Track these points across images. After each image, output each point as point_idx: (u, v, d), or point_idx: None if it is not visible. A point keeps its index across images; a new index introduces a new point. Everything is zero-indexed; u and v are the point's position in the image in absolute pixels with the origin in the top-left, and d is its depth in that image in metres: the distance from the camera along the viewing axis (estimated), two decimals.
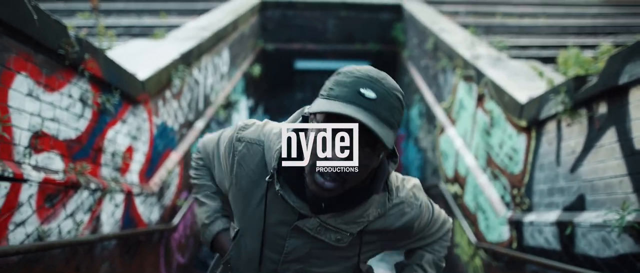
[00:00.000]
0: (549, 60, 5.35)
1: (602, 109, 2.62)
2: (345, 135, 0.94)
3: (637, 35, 6.09)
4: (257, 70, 8.12)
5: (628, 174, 2.37)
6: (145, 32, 6.02)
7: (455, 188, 5.20)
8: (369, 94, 0.93)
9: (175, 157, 4.37)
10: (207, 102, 5.48)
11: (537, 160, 3.37)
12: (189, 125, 4.83)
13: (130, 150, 3.39)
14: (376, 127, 0.91)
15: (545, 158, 3.26)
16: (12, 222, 2.07)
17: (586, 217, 2.65)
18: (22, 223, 2.15)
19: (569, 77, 3.14)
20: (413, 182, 1.24)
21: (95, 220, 2.88)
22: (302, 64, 9.51)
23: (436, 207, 1.34)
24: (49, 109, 2.36)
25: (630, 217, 2.24)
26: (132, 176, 3.48)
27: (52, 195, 2.37)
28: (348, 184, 1.00)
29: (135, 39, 5.28)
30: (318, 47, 9.19)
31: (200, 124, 5.13)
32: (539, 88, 3.74)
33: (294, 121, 1.12)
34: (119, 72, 3.07)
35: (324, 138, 0.96)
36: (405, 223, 1.19)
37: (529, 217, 3.36)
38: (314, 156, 0.98)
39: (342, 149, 0.95)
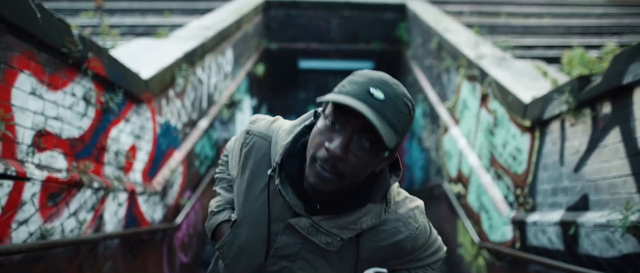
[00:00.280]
0: (553, 61, 5.32)
1: (606, 108, 2.61)
2: (349, 128, 0.96)
3: None
4: (260, 69, 8.12)
5: (632, 174, 2.35)
6: (149, 31, 6.04)
7: (458, 188, 5.19)
8: (378, 94, 0.95)
9: (178, 156, 4.38)
10: (211, 101, 5.49)
11: (541, 160, 3.35)
12: (192, 124, 4.83)
13: (133, 149, 3.40)
14: (378, 124, 0.92)
15: (548, 158, 3.25)
16: (15, 220, 2.08)
17: (590, 217, 2.64)
18: (25, 221, 2.16)
19: (573, 77, 3.12)
20: (416, 203, 1.22)
21: (98, 219, 2.89)
22: (305, 64, 9.51)
23: (434, 232, 1.33)
24: (52, 107, 2.37)
25: (633, 217, 2.23)
26: (135, 175, 3.49)
27: (55, 194, 2.38)
28: (345, 181, 1.00)
29: (139, 38, 5.29)
30: (322, 46, 9.18)
31: (203, 123, 5.14)
32: (543, 88, 3.72)
33: (305, 121, 1.15)
34: (123, 71, 3.08)
35: (328, 127, 0.99)
36: (397, 242, 1.18)
37: (533, 217, 3.34)
38: (317, 146, 1.00)
39: (344, 143, 0.97)
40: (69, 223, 2.55)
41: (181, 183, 4.50)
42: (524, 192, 3.60)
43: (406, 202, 1.20)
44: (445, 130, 5.83)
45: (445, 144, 5.84)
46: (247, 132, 1.22)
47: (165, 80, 3.92)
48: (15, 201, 2.06)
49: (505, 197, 3.97)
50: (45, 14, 2.21)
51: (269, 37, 9.03)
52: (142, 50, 4.27)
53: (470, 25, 6.84)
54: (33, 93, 2.20)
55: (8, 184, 1.99)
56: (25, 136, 2.16)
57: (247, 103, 7.67)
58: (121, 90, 3.04)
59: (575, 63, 4.33)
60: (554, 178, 3.15)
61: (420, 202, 1.24)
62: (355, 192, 1.08)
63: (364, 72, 1.01)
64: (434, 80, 6.66)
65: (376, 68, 9.52)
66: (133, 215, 3.43)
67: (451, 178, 5.50)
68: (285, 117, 1.27)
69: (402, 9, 8.85)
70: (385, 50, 9.08)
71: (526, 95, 3.64)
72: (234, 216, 1.25)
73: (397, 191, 1.19)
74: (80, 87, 2.62)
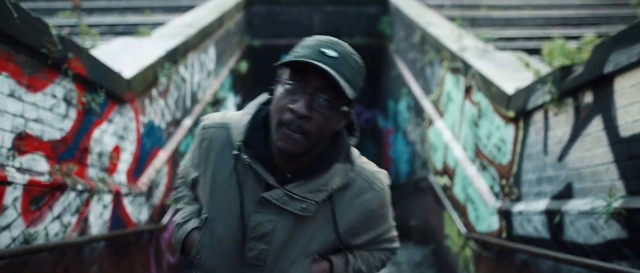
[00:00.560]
0: (534, 52, 5.39)
1: (588, 98, 2.65)
2: (309, 87, 1.03)
3: (619, 25, 6.17)
4: (244, 66, 8.06)
5: (614, 161, 2.40)
6: (129, 30, 5.94)
7: (444, 180, 5.24)
8: (331, 52, 1.04)
9: (163, 155, 4.33)
10: (195, 100, 5.43)
11: (525, 150, 3.40)
12: (176, 123, 4.78)
13: (117, 150, 3.34)
14: (337, 77, 1.00)
15: (533, 148, 3.29)
16: None
17: (574, 205, 2.68)
18: (7, 226, 2.10)
19: (554, 67, 3.17)
20: (380, 168, 1.28)
21: (83, 222, 2.84)
22: None
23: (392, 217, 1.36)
24: (32, 109, 2.31)
25: (617, 204, 2.28)
26: (120, 176, 3.43)
27: (38, 198, 2.33)
28: (312, 139, 1.06)
29: (119, 37, 5.20)
30: None
31: (188, 122, 5.08)
32: (525, 79, 3.77)
33: (259, 101, 1.20)
34: (104, 70, 3.03)
35: (288, 91, 1.04)
36: (365, 202, 1.20)
37: (518, 207, 3.39)
38: (281, 110, 1.05)
39: (307, 102, 1.03)
40: (53, 227, 2.49)
41: (167, 183, 4.45)
42: (509, 182, 3.65)
43: (370, 165, 1.24)
44: (430, 123, 5.87)
45: (430, 137, 5.89)
46: (203, 128, 1.23)
47: (148, 79, 3.86)
48: None
49: (491, 188, 4.03)
50: (23, 13, 2.15)
51: (251, 34, 8.97)
52: (124, 49, 4.20)
53: (452, 18, 6.89)
54: (12, 95, 2.15)
55: None
56: (4, 139, 2.10)
57: (231, 100, 7.61)
58: (103, 90, 2.98)
59: (556, 54, 4.40)
60: (538, 168, 3.20)
61: (384, 171, 1.28)
62: (320, 155, 1.13)
63: (313, 37, 1.09)
64: (418, 73, 6.70)
65: None
66: (118, 216, 3.38)
67: (437, 170, 5.55)
68: None
69: (384, 3, 8.87)
70: (369, 44, 9.10)
71: (509, 86, 3.69)
72: (204, 216, 1.21)
73: (358, 155, 1.25)
74: (60, 88, 2.56)
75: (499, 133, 3.84)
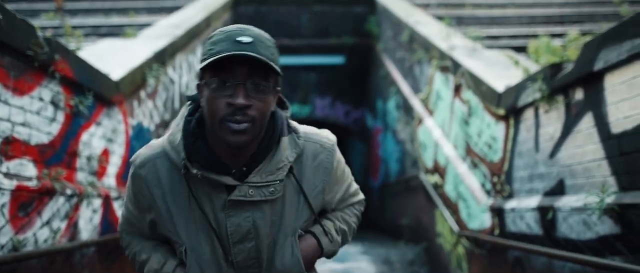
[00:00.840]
0: (520, 50, 5.44)
1: (579, 95, 2.68)
2: (240, 77, 1.04)
3: (601, 23, 6.28)
4: None
5: (606, 158, 2.43)
6: (113, 32, 5.84)
7: (435, 178, 5.26)
8: (245, 39, 1.05)
9: None
10: (183, 101, 5.37)
11: (516, 148, 3.43)
12: (165, 124, 4.72)
13: (106, 153, 3.28)
14: (263, 58, 1.02)
15: (524, 145, 3.32)
16: None
17: (566, 201, 2.71)
18: None
19: (544, 65, 3.20)
20: (323, 129, 1.30)
21: (73, 227, 2.78)
22: None
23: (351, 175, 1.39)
24: (19, 113, 2.25)
25: (609, 199, 2.30)
26: (109, 179, 3.37)
27: (26, 203, 2.27)
28: (257, 124, 1.07)
29: (104, 38, 5.11)
30: (292, 42, 9.13)
31: None
32: (515, 77, 3.80)
33: (183, 113, 1.18)
34: (92, 72, 2.97)
35: (219, 88, 1.05)
36: (322, 162, 1.22)
37: (510, 204, 3.41)
38: (218, 109, 1.05)
39: (243, 92, 1.05)
40: (42, 233, 2.43)
41: None
42: (501, 179, 3.67)
43: (313, 129, 1.27)
44: (420, 121, 5.89)
45: (420, 136, 5.91)
46: (138, 168, 1.18)
47: (136, 81, 3.80)
48: None
49: (483, 185, 4.05)
50: (8, 15, 2.09)
51: None
52: (111, 51, 4.13)
53: (438, 17, 6.93)
54: None
55: None
56: None
57: None
58: (91, 92, 2.92)
59: (542, 51, 4.45)
60: (530, 165, 3.22)
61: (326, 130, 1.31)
62: (265, 137, 1.15)
63: (220, 30, 1.10)
64: (406, 72, 6.72)
65: (348, 62, 9.55)
66: (109, 220, 3.32)
67: (427, 169, 5.57)
68: None
69: (371, 3, 8.89)
70: (357, 44, 9.11)
71: (499, 84, 3.71)
72: (182, 249, 1.17)
73: (297, 124, 1.26)
74: (47, 90, 2.50)
75: (490, 131, 3.86)
